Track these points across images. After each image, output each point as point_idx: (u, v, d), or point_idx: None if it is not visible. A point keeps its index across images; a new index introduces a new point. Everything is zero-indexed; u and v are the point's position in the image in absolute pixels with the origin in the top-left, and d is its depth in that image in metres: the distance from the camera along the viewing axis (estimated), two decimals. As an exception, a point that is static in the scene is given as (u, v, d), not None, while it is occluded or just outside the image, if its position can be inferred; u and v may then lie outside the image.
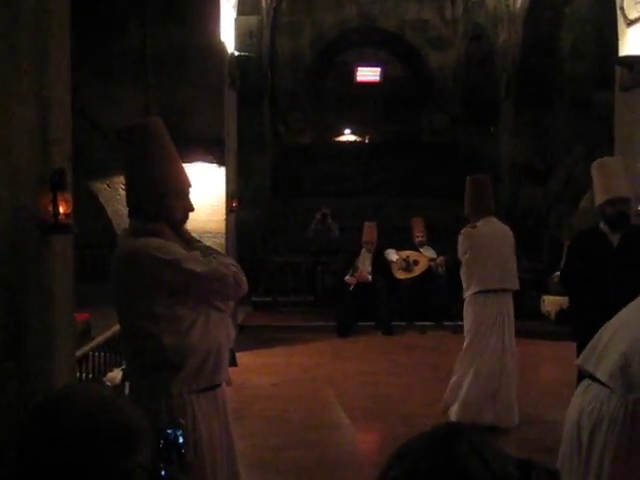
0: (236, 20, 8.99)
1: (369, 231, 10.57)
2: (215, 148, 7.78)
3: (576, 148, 12.23)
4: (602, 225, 4.82)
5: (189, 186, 2.89)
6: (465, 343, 5.99)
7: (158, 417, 2.60)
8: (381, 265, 10.48)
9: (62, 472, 1.28)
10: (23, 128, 2.90)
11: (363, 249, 10.56)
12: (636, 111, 7.20)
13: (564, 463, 2.91)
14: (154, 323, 2.67)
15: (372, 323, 10.13)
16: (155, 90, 7.63)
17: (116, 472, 1.29)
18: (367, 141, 19.93)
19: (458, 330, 7.00)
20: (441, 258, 10.66)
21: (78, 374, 5.10)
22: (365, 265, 10.49)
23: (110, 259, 2.90)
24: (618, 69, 7.44)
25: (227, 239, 7.96)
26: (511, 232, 6.17)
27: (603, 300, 4.39)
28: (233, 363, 7.21)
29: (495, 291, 5.92)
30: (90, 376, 5.80)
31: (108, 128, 7.48)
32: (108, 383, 5.89)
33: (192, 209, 2.90)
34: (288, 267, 11.77)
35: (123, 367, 5.45)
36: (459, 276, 6.15)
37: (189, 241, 2.89)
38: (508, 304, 5.98)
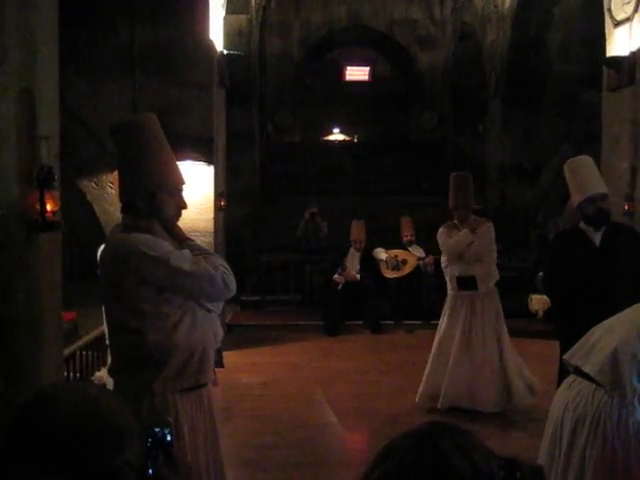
0: (225, 19, 8.97)
1: (357, 230, 10.57)
2: (204, 146, 7.77)
3: (564, 148, 12.29)
4: (582, 224, 4.74)
5: (182, 183, 2.87)
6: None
7: (141, 415, 2.58)
8: (370, 264, 10.49)
9: (48, 471, 1.27)
10: (10, 125, 2.89)
11: (352, 248, 10.57)
12: (623, 111, 7.24)
13: (544, 457, 2.93)
14: (139, 319, 2.66)
15: (360, 322, 10.14)
16: (143, 88, 7.61)
17: (103, 471, 1.29)
18: (356, 140, 19.93)
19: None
20: (430, 257, 10.68)
21: (65, 373, 5.08)
22: (354, 264, 10.50)
23: (99, 257, 2.89)
24: (605, 69, 7.49)
25: (215, 238, 7.95)
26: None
27: (586, 299, 4.40)
28: (220, 364, 7.19)
29: None
30: (78, 375, 5.79)
31: (96, 126, 7.47)
32: (96, 382, 5.87)
33: (185, 206, 2.88)
34: (276, 266, 11.75)
35: (108, 367, 5.43)
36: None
37: (180, 239, 2.88)
38: None
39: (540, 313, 10.17)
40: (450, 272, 6.39)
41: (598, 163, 7.94)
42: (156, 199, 2.76)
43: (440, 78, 16.76)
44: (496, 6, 12.69)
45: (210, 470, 2.85)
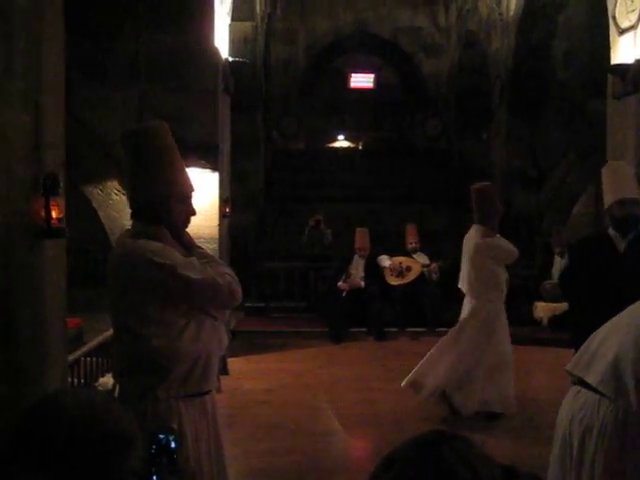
0: (230, 26, 9.00)
1: (361, 237, 10.58)
2: (208, 153, 7.78)
3: (569, 155, 12.28)
4: (610, 230, 4.63)
5: (191, 190, 2.89)
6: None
7: (144, 420, 2.59)
8: (374, 271, 10.49)
9: (51, 477, 1.28)
10: (16, 132, 2.90)
11: (356, 255, 10.57)
12: (628, 119, 7.24)
13: (556, 469, 2.91)
14: (145, 325, 2.67)
15: (365, 329, 10.13)
16: (149, 95, 7.62)
17: (107, 478, 1.29)
18: (360, 147, 19.92)
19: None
20: (435, 264, 10.69)
21: (70, 379, 5.09)
22: (358, 271, 10.50)
23: (107, 261, 2.91)
24: (610, 77, 7.49)
25: (220, 244, 7.95)
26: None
27: (604, 307, 4.34)
28: (224, 371, 7.18)
29: None
30: (82, 381, 5.79)
31: (101, 133, 7.49)
32: (100, 388, 5.88)
33: (194, 213, 2.91)
34: (281, 272, 11.76)
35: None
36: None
37: (188, 246, 2.89)
38: None
39: (545, 321, 10.16)
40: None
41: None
42: (165, 206, 2.78)
43: (445, 85, 16.77)
44: (501, 14, 12.70)
45: (214, 477, 2.85)
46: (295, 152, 16.44)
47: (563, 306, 9.19)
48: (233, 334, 9.23)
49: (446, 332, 6.60)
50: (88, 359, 6.14)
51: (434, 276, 10.65)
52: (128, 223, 2.97)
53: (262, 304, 11.37)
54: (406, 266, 10.59)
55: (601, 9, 7.88)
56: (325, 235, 11.87)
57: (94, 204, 7.79)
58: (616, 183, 4.61)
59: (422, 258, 10.88)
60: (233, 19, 9.23)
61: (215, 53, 7.95)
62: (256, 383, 7.56)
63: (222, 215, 8.21)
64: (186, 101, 7.67)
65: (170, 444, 1.40)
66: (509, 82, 12.61)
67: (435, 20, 16.84)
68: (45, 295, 3.20)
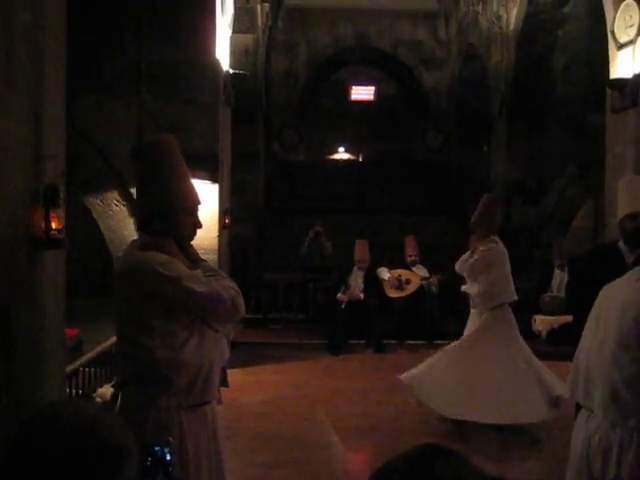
0: (231, 38, 9.04)
1: (361, 249, 10.58)
2: (209, 165, 7.80)
3: (568, 168, 12.31)
4: (620, 243, 4.61)
5: (198, 203, 2.95)
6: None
7: (145, 430, 2.61)
8: (373, 283, 10.48)
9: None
10: (17, 144, 2.92)
11: (355, 267, 10.57)
12: (627, 133, 7.27)
13: None
14: (149, 336, 2.70)
15: (363, 341, 10.12)
16: (150, 106, 7.66)
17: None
18: (361, 159, 19.97)
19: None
20: (434, 277, 10.70)
21: (68, 389, 5.08)
22: (357, 283, 10.50)
23: (113, 272, 2.94)
24: (609, 91, 7.52)
25: (220, 256, 7.97)
26: None
27: None
28: (224, 383, 7.18)
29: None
30: (80, 392, 5.78)
31: (102, 143, 7.51)
32: (98, 399, 5.87)
33: (200, 226, 2.96)
34: (280, 284, 11.76)
35: (113, 383, 5.43)
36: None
37: (193, 259, 2.92)
38: None
39: (543, 334, 10.14)
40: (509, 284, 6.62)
41: (602, 184, 7.99)
42: (173, 219, 2.83)
43: (445, 98, 16.82)
44: (501, 27, 12.77)
45: None
46: (295, 164, 16.47)
47: (562, 319, 9.20)
48: (232, 345, 9.21)
49: (443, 345, 6.69)
50: (87, 369, 6.14)
51: (433, 289, 10.65)
52: (128, 234, 2.99)
53: (261, 315, 11.36)
54: (405, 279, 10.59)
55: (600, 24, 7.93)
56: (324, 247, 11.87)
57: (94, 214, 7.81)
58: (629, 196, 4.55)
59: (421, 271, 10.88)
60: (234, 31, 9.28)
61: (216, 65, 7.99)
62: (254, 395, 7.55)
63: (222, 226, 8.23)
64: (187, 112, 7.70)
65: (166, 456, 1.40)
66: (509, 95, 12.65)
67: (435, 33, 16.92)
68: (44, 305, 3.21)
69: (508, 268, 6.57)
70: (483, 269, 6.49)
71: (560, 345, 8.41)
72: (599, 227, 10.67)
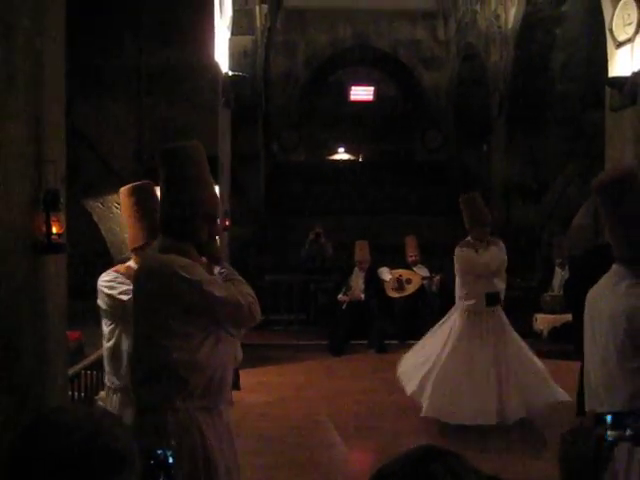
0: (230, 40, 9.04)
1: (361, 250, 10.57)
2: (208, 166, 7.80)
3: (568, 167, 12.31)
4: None
5: (219, 210, 3.02)
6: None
7: (165, 430, 2.66)
8: (374, 284, 10.49)
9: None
10: (17, 149, 2.92)
11: (356, 268, 10.57)
12: (626, 131, 7.27)
13: None
14: (168, 337, 2.75)
15: (365, 342, 10.12)
16: (149, 108, 7.66)
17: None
18: (360, 159, 20.00)
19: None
20: (436, 277, 10.70)
21: (70, 393, 5.08)
22: (358, 283, 10.50)
23: (134, 273, 2.98)
24: (608, 89, 7.52)
25: (220, 257, 7.96)
26: None
27: None
28: (236, 386, 7.18)
29: None
30: (82, 395, 5.78)
31: (102, 146, 7.52)
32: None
33: (219, 233, 3.01)
34: (281, 285, 11.76)
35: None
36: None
37: (213, 263, 2.98)
38: None
39: (545, 333, 10.15)
40: (469, 289, 6.46)
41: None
42: (193, 224, 2.87)
43: (444, 98, 16.83)
44: (499, 27, 12.78)
45: None
46: (295, 165, 16.48)
47: (563, 318, 9.20)
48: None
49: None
50: (89, 372, 6.14)
51: (434, 288, 10.66)
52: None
53: (262, 317, 11.32)
54: (406, 279, 10.60)
55: (598, 22, 7.93)
56: (325, 248, 11.88)
57: (95, 218, 7.81)
58: None
59: (422, 270, 10.88)
60: (233, 33, 9.28)
61: (215, 67, 7.99)
62: (256, 395, 7.55)
63: (222, 228, 8.22)
64: (186, 115, 7.70)
65: (167, 459, 1.41)
66: (508, 94, 12.66)
67: (434, 33, 16.93)
68: (46, 309, 3.22)
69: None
70: (505, 265, 6.55)
71: (562, 344, 8.42)
72: (599, 225, 10.67)
